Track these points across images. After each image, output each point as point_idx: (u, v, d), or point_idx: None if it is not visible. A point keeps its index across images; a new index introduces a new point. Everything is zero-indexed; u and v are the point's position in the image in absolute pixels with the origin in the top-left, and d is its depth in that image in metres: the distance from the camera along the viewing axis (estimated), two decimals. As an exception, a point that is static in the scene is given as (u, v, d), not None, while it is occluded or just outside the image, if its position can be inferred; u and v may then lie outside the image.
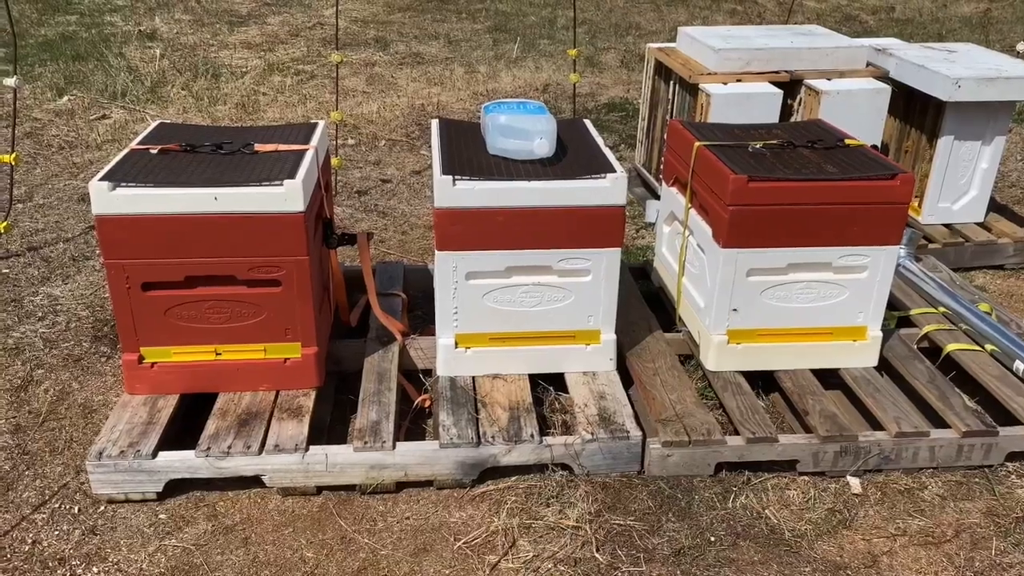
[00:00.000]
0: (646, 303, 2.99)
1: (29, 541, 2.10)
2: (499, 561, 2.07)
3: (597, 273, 2.47)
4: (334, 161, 3.75)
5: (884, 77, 3.68)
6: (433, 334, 2.62)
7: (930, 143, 3.65)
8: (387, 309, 2.80)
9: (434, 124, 2.75)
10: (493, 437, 2.30)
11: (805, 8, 9.16)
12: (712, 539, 2.16)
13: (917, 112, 3.71)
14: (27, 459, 2.38)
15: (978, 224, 3.74)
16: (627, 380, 2.61)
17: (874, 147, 2.71)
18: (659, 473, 2.35)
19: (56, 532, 2.13)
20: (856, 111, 3.45)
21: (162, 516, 2.19)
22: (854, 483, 2.35)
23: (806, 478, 2.37)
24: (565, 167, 2.44)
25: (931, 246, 3.57)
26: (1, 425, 2.51)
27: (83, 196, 4.05)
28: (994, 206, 3.83)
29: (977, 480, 2.38)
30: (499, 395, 2.48)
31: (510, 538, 2.14)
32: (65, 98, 5.49)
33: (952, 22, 8.76)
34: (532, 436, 2.30)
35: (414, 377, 2.68)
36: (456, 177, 2.32)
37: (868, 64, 3.74)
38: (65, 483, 2.29)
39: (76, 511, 2.20)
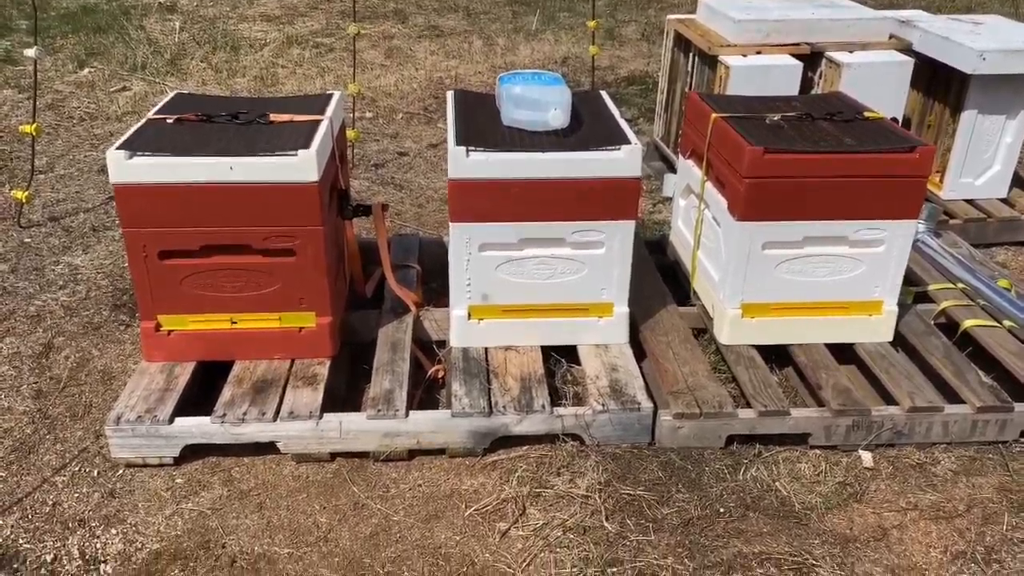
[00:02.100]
0: (661, 277, 2.98)
1: (50, 503, 2.15)
2: (509, 528, 2.10)
3: (611, 246, 2.47)
4: (351, 133, 3.76)
5: (907, 49, 3.62)
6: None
7: (953, 117, 3.60)
8: (402, 281, 2.81)
9: (449, 95, 2.75)
10: (505, 407, 2.31)
11: (830, -20, 8.98)
12: (721, 510, 2.17)
13: (941, 85, 3.65)
14: (48, 423, 2.43)
15: (1001, 200, 3.69)
16: (640, 353, 2.61)
17: (895, 120, 2.68)
18: (669, 445, 2.36)
19: (76, 494, 2.18)
20: (878, 84, 3.40)
21: (179, 480, 2.23)
22: (866, 457, 2.35)
23: (818, 452, 2.37)
24: (580, 138, 2.43)
25: (952, 222, 3.53)
26: (23, 390, 2.56)
27: (103, 167, 4.08)
28: (1018, 182, 3.77)
29: (991, 456, 2.37)
30: (511, 366, 2.49)
31: (520, 506, 2.16)
32: (86, 70, 5.53)
33: (981, -5, 8.57)
34: (543, 406, 2.32)
35: (428, 348, 2.70)
36: (470, 148, 2.32)
37: (891, 36, 3.68)
38: (85, 447, 2.34)
39: (95, 474, 2.24)
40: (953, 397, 2.42)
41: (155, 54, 5.84)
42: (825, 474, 2.30)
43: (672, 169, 3.96)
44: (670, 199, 3.82)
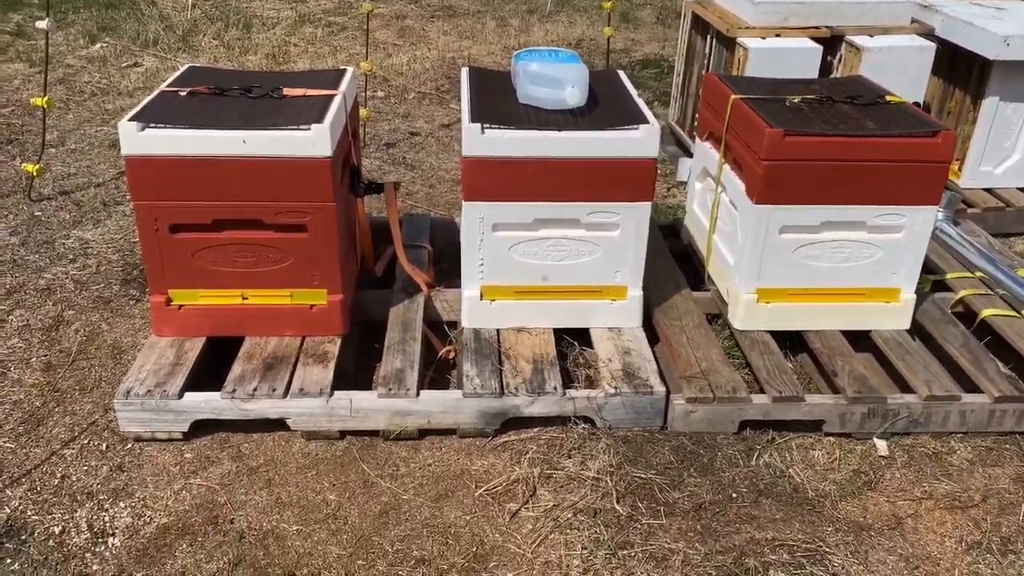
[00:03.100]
0: (675, 261, 2.95)
1: (59, 475, 2.14)
2: (519, 509, 2.08)
3: (626, 228, 2.44)
4: (363, 112, 3.72)
5: (929, 34, 3.56)
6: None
7: (974, 104, 3.54)
8: (413, 260, 2.79)
9: (464, 72, 2.71)
10: (516, 388, 2.29)
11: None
12: (734, 495, 2.15)
13: (962, 71, 3.60)
14: (57, 396, 2.42)
15: (1020, 189, 3.63)
16: (653, 337, 2.59)
17: (917, 104, 2.63)
18: (682, 429, 2.33)
19: (84, 467, 2.17)
20: (899, 69, 3.34)
21: (187, 455, 2.22)
22: (881, 445, 2.32)
23: (832, 439, 2.34)
24: (597, 117, 2.40)
25: (970, 210, 3.48)
26: (33, 363, 2.55)
27: (114, 142, 4.06)
28: (1038, 171, 3.72)
29: (1008, 446, 2.34)
30: (523, 348, 2.46)
31: (530, 487, 2.14)
32: (98, 45, 5.50)
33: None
34: (555, 388, 2.29)
35: (439, 328, 2.67)
36: (485, 125, 2.28)
37: (913, 20, 3.62)
38: (94, 420, 2.33)
39: (104, 448, 2.23)
40: (970, 386, 2.39)
41: (167, 30, 5.80)
42: (839, 461, 2.27)
43: (687, 153, 3.92)
44: (684, 183, 3.78)
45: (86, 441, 2.25)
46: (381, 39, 5.92)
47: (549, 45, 5.89)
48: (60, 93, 4.68)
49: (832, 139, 2.32)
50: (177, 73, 2.58)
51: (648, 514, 2.08)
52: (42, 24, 3.41)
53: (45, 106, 3.48)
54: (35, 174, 3.47)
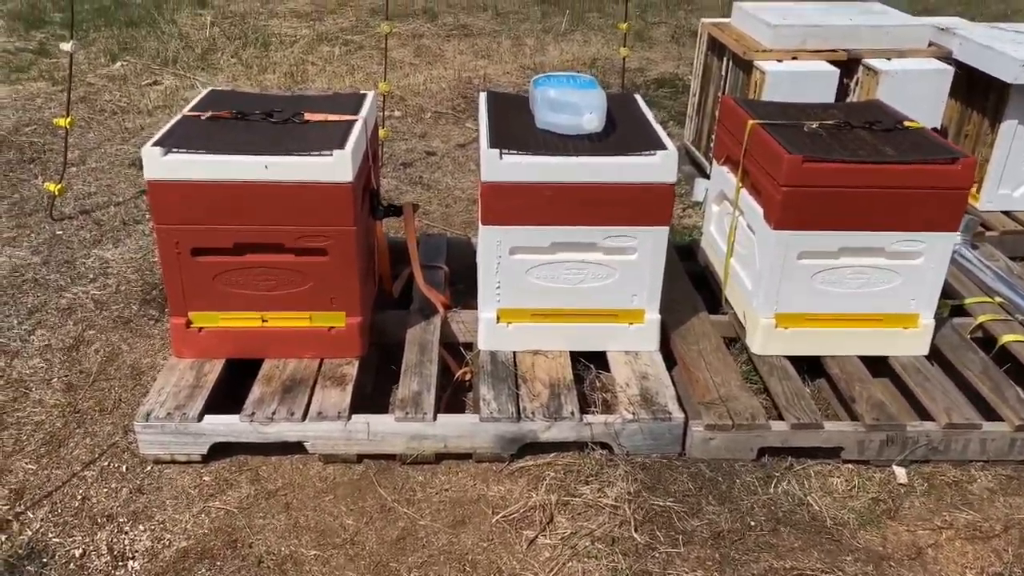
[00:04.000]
0: (692, 283, 2.95)
1: (79, 497, 2.16)
2: (536, 536, 2.08)
3: (643, 251, 2.44)
4: (381, 132, 3.75)
5: (947, 58, 3.56)
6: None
7: (992, 127, 3.53)
8: (430, 281, 2.80)
9: (482, 97, 2.73)
10: (533, 413, 2.29)
11: (864, -15, 8.89)
12: (752, 524, 2.14)
13: (980, 94, 3.59)
14: (78, 417, 2.44)
15: (1039, 212, 3.62)
16: (670, 361, 2.58)
17: (934, 130, 2.63)
18: (700, 456, 2.33)
19: (105, 489, 2.18)
20: (916, 92, 3.34)
21: (206, 478, 2.23)
22: (900, 473, 2.31)
23: (850, 466, 2.33)
24: (614, 143, 2.41)
25: (988, 234, 3.46)
26: (54, 383, 2.57)
27: (134, 161, 4.11)
28: (1057, 194, 3.70)
29: (1029, 475, 2.32)
30: (540, 371, 2.47)
31: (548, 514, 2.14)
32: (118, 64, 5.57)
33: (1020, 1, 8.44)
34: (572, 413, 2.29)
35: (455, 350, 2.68)
36: (503, 151, 2.30)
37: (930, 44, 3.62)
38: (114, 442, 2.34)
39: (124, 470, 2.25)
40: (990, 414, 2.37)
41: (186, 49, 5.87)
42: (858, 489, 2.26)
43: (702, 173, 3.93)
44: (700, 204, 3.79)
45: (106, 463, 2.27)
46: (398, 58, 5.97)
47: (564, 64, 5.93)
48: (81, 111, 4.73)
49: (851, 166, 2.32)
50: (199, 96, 2.61)
51: (667, 542, 2.07)
52: (66, 46, 3.46)
53: (68, 127, 3.52)
54: (57, 193, 3.51)
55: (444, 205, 3.89)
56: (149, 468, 2.25)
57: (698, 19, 4.08)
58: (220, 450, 2.28)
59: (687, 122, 4.32)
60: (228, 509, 2.14)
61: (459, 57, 6.07)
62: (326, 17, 7.01)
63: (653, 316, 2.55)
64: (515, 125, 2.50)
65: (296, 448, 2.28)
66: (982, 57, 3.45)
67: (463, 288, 3.00)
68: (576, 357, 2.57)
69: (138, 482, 2.21)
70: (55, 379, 2.59)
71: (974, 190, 3.65)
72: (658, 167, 2.32)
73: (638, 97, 2.79)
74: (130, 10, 6.84)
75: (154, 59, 5.66)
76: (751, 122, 2.55)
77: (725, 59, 3.77)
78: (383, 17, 4.11)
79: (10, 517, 2.09)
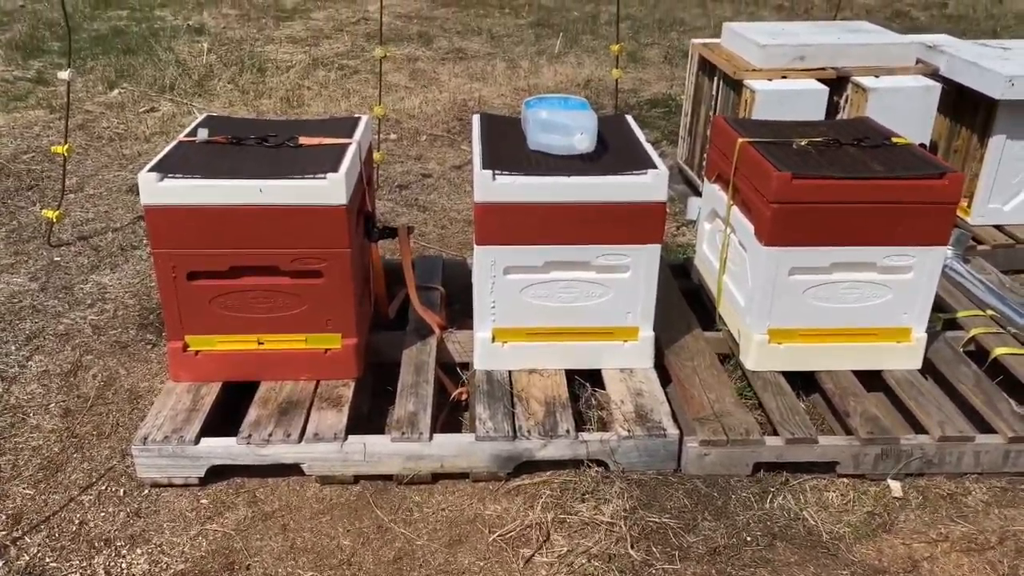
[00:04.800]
0: (686, 301, 2.97)
1: (76, 521, 2.16)
2: (533, 555, 2.08)
3: (636, 269, 2.46)
4: (377, 156, 3.79)
5: (934, 74, 3.60)
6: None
7: (981, 142, 3.57)
8: (426, 302, 2.82)
9: (475, 119, 2.76)
10: (529, 431, 2.30)
11: (854, 3, 9.00)
12: (748, 539, 2.14)
13: (968, 110, 3.63)
14: (75, 442, 2.44)
15: (1030, 226, 3.65)
16: (665, 378, 2.60)
17: (922, 145, 2.66)
18: (696, 472, 2.34)
19: (102, 514, 2.19)
20: (904, 109, 3.38)
21: (203, 501, 2.24)
22: (895, 486, 2.31)
23: (845, 480, 2.34)
24: (606, 162, 2.44)
25: (980, 247, 3.49)
26: (52, 408, 2.58)
27: (132, 187, 4.14)
28: (1047, 207, 3.73)
29: (1023, 487, 2.33)
30: (535, 390, 2.48)
31: (544, 532, 2.15)
32: (116, 91, 5.62)
33: (1007, 18, 8.54)
34: (568, 431, 2.30)
35: (451, 370, 2.70)
36: (496, 172, 2.33)
37: (918, 61, 3.66)
38: (112, 466, 2.35)
39: (121, 494, 2.25)
40: (984, 426, 2.38)
41: (183, 75, 5.93)
42: (853, 503, 2.26)
43: (695, 192, 3.96)
44: (693, 222, 3.81)
45: (104, 487, 2.28)
46: (393, 82, 6.02)
47: (558, 86, 5.99)
48: (79, 139, 4.77)
49: (839, 182, 2.35)
50: (195, 122, 2.65)
51: (663, 559, 2.07)
52: (63, 75, 3.50)
53: (66, 154, 3.55)
54: (55, 220, 3.53)
55: (440, 226, 3.92)
56: (147, 492, 2.26)
57: (690, 40, 4.13)
58: (217, 473, 2.28)
59: (680, 142, 4.36)
60: (225, 531, 2.14)
61: (454, 80, 6.13)
62: (322, 42, 7.08)
63: (647, 333, 2.57)
64: (508, 146, 2.53)
65: (293, 470, 2.29)
66: (969, 73, 3.50)
67: (459, 308, 3.02)
68: (571, 375, 2.59)
69: (135, 506, 2.21)
70: (53, 404, 2.60)
71: (965, 204, 3.68)
72: (649, 186, 2.35)
73: (629, 118, 2.82)
74: (128, 38, 6.90)
75: (151, 86, 5.71)
76: (740, 140, 2.58)
77: (716, 79, 3.82)
78: (379, 42, 4.16)
79: (8, 542, 2.09)
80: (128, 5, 8.24)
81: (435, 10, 8.45)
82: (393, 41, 7.12)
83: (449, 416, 2.56)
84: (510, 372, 2.56)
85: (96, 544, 2.09)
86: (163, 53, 6.43)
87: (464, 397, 2.61)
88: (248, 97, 5.59)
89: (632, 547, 2.10)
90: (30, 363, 2.80)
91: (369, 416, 2.56)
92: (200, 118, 2.70)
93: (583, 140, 2.42)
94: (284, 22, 7.76)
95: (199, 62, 6.27)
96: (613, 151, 2.52)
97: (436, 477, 2.32)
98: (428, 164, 4.65)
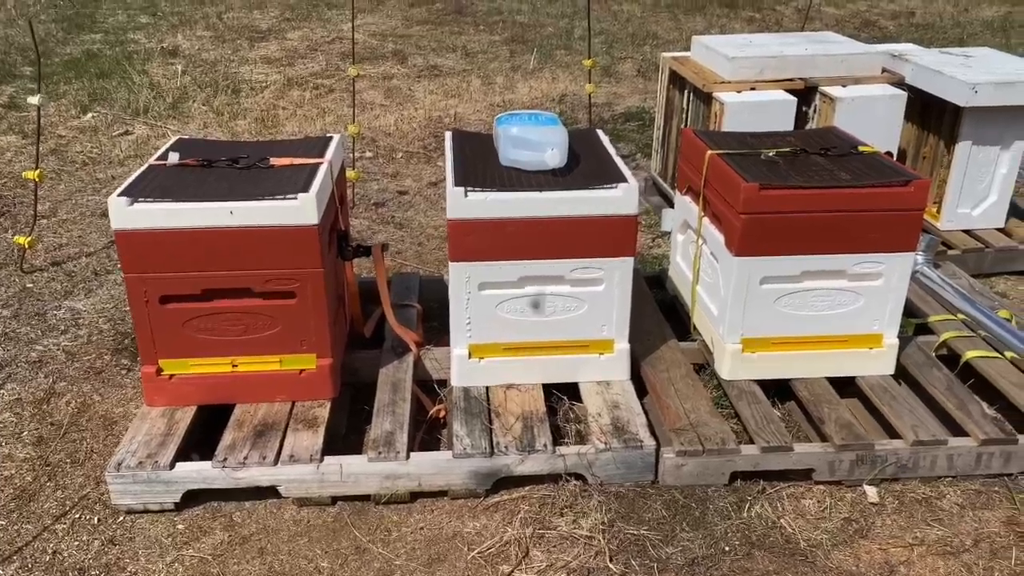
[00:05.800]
0: (661, 312, 2.99)
1: (50, 551, 2.14)
2: (512, 571, 2.08)
3: (610, 282, 2.48)
4: (351, 174, 3.79)
5: (900, 83, 3.66)
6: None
7: (948, 148, 3.63)
8: (402, 320, 2.82)
9: (447, 136, 2.78)
10: (507, 447, 2.30)
11: (824, 14, 9.12)
12: (726, 548, 2.15)
13: (934, 118, 3.69)
14: (49, 470, 2.42)
15: (998, 230, 3.70)
16: (641, 389, 2.61)
17: (888, 153, 2.70)
18: (673, 482, 2.34)
19: (76, 542, 2.16)
20: (872, 117, 3.43)
21: (180, 526, 2.22)
22: (871, 492, 2.33)
23: (822, 487, 2.35)
24: (577, 177, 2.45)
25: (950, 252, 3.54)
26: (24, 437, 2.56)
27: (105, 211, 4.11)
28: (1015, 211, 3.79)
29: (996, 489, 2.35)
30: (513, 405, 2.48)
31: (523, 548, 2.14)
32: (89, 115, 5.59)
33: (973, 26, 8.69)
34: (545, 446, 2.31)
35: (429, 387, 2.69)
36: (468, 188, 2.34)
37: (883, 70, 3.72)
38: (85, 494, 2.32)
39: (96, 521, 2.23)
40: (956, 430, 2.41)
41: (157, 98, 5.91)
42: (830, 510, 2.28)
43: (670, 204, 3.99)
44: (668, 234, 3.84)
45: (77, 515, 2.25)
46: (368, 100, 6.04)
47: (533, 101, 6.02)
48: (52, 163, 4.74)
49: (806, 191, 2.38)
50: (166, 145, 2.64)
51: (642, 571, 2.08)
52: (34, 100, 3.48)
53: (37, 179, 3.53)
54: (27, 246, 3.51)
55: (417, 243, 3.92)
56: (121, 519, 2.24)
57: (662, 53, 4.17)
58: (193, 497, 2.26)
59: (653, 154, 4.39)
60: (202, 556, 2.12)
61: (429, 97, 6.15)
62: (296, 62, 7.09)
63: (623, 346, 2.58)
64: (480, 163, 2.54)
65: (270, 492, 2.27)
66: (935, 82, 3.55)
67: (437, 326, 3.02)
68: (549, 389, 2.59)
69: (110, 533, 2.19)
70: (25, 432, 2.57)
71: (935, 210, 3.73)
72: (620, 200, 2.37)
73: (600, 132, 2.84)
74: (101, 61, 6.88)
75: (125, 109, 5.69)
76: (709, 152, 2.61)
77: (686, 92, 3.86)
78: (352, 61, 4.17)
79: (-21, 575, 2.06)
80: (102, 28, 8.21)
81: (410, 28, 8.49)
82: (368, 59, 7.14)
83: (427, 434, 2.55)
84: (487, 388, 2.56)
85: (70, 574, 2.07)
86: (137, 76, 6.41)
87: (443, 415, 2.60)
88: (223, 119, 5.59)
89: (611, 560, 2.10)
90: (2, 391, 2.76)
91: (346, 436, 2.55)
92: (171, 141, 2.69)
93: (554, 156, 2.44)
94: (259, 43, 7.76)
95: (173, 84, 6.25)
96: (584, 165, 2.54)
97: (414, 496, 2.31)
98: (404, 181, 4.65)
